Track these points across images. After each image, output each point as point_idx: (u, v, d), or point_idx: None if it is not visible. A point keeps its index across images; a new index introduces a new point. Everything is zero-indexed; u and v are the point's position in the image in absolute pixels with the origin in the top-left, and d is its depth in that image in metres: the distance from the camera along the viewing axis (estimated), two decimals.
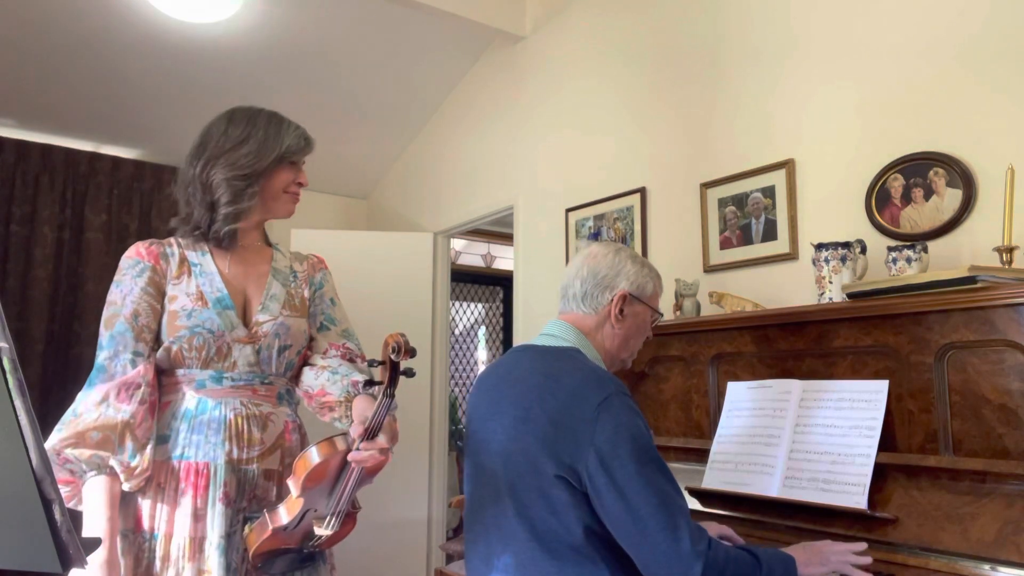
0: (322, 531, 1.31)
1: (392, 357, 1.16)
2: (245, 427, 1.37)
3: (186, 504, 1.31)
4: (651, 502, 1.19)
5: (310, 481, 1.24)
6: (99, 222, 4.00)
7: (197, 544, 1.30)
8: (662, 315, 1.59)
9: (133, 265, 1.41)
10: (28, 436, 0.65)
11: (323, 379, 1.44)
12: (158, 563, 1.30)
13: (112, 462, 1.27)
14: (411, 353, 1.15)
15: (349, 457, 1.22)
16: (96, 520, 1.25)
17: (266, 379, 1.43)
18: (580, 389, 1.29)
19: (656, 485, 1.21)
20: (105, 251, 4.01)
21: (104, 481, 1.27)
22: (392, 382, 1.19)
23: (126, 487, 1.29)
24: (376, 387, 1.22)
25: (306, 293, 1.53)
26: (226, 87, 3.72)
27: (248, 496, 1.36)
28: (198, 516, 1.31)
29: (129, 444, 1.28)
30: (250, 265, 1.49)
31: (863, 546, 1.40)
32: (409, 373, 1.19)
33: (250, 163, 1.44)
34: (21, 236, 3.78)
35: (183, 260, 1.45)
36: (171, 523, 1.31)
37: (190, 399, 1.37)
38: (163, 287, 1.41)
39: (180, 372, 1.39)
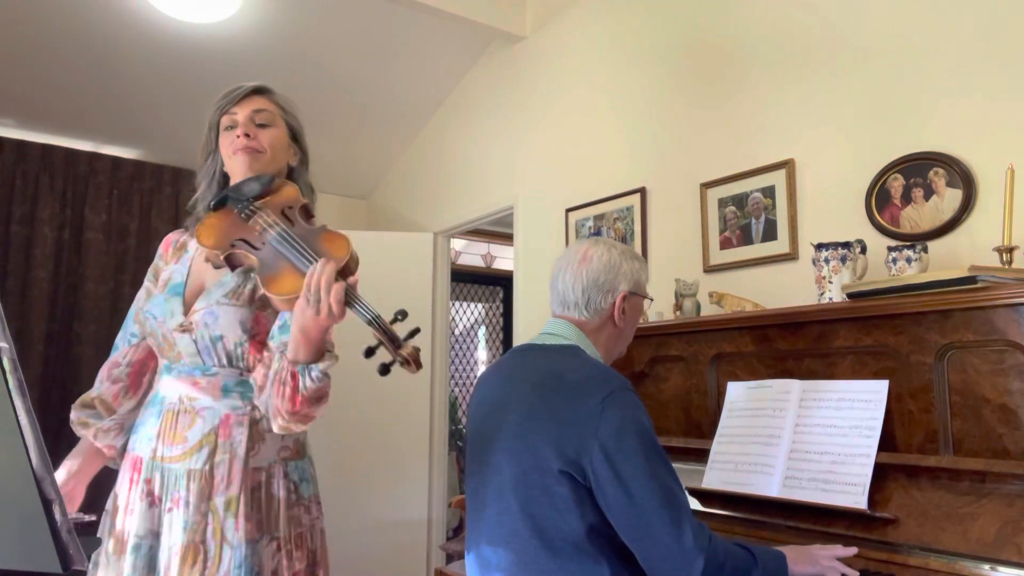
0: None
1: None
2: (173, 424, 1.31)
3: (122, 497, 1.33)
4: (655, 497, 1.20)
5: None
6: (99, 222, 4.00)
7: (123, 541, 1.29)
8: (652, 299, 1.64)
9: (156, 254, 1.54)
10: (28, 436, 0.65)
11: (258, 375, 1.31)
12: (102, 554, 1.33)
13: (89, 422, 1.43)
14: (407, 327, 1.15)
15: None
16: (70, 456, 1.44)
17: (208, 371, 1.34)
18: (584, 385, 1.30)
19: (660, 480, 1.22)
20: (105, 251, 4.01)
21: (86, 437, 1.44)
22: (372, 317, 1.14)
23: (98, 443, 1.43)
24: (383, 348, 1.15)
25: None
26: (226, 87, 3.71)
27: (173, 497, 1.28)
28: (128, 511, 1.31)
29: (100, 410, 1.44)
30: None
31: (853, 551, 1.40)
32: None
33: (201, 160, 1.48)
34: (21, 236, 3.78)
35: (182, 246, 1.49)
36: (116, 513, 1.34)
37: (153, 390, 1.40)
38: (160, 273, 1.49)
39: (159, 363, 1.43)
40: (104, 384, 1.45)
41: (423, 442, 4.07)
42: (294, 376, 1.21)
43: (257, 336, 1.35)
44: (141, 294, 1.50)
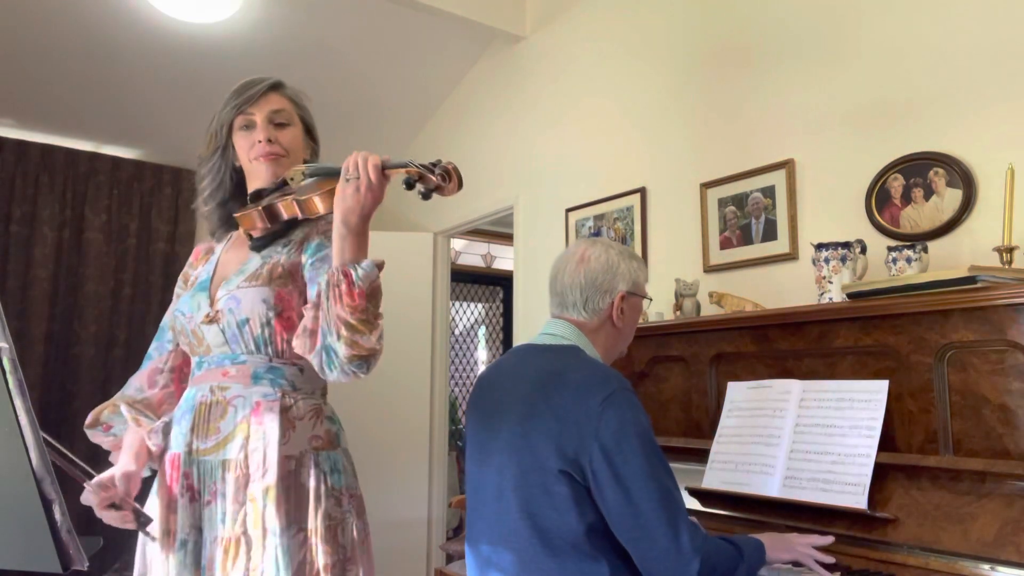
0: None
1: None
2: (206, 416, 1.32)
3: (164, 495, 1.33)
4: (653, 498, 1.21)
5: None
6: (99, 222, 4.00)
7: (171, 538, 1.30)
8: (651, 299, 1.65)
9: None
10: (28, 436, 0.65)
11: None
12: (153, 551, 1.33)
13: (142, 421, 1.42)
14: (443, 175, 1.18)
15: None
16: (123, 453, 1.40)
17: (237, 359, 1.34)
18: (585, 385, 1.30)
19: (659, 481, 1.23)
20: (105, 251, 4.01)
21: (135, 430, 1.43)
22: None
23: (149, 442, 1.40)
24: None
25: (283, 259, 1.38)
26: (226, 87, 3.70)
27: (211, 490, 1.29)
28: (171, 508, 1.31)
29: (149, 413, 1.44)
30: (245, 243, 1.44)
31: (829, 539, 1.43)
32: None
33: (204, 153, 1.48)
34: (21, 236, 3.78)
35: (210, 251, 1.51)
36: (159, 512, 1.33)
37: (187, 389, 1.40)
38: (188, 277, 1.51)
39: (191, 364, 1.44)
40: (147, 390, 1.46)
41: (423, 442, 4.07)
42: (346, 274, 1.19)
43: (283, 313, 1.33)
44: (174, 301, 1.51)
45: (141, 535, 1.34)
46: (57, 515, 0.67)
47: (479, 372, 6.50)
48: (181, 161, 4.16)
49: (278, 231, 1.41)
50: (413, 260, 4.15)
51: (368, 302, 1.19)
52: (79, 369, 3.81)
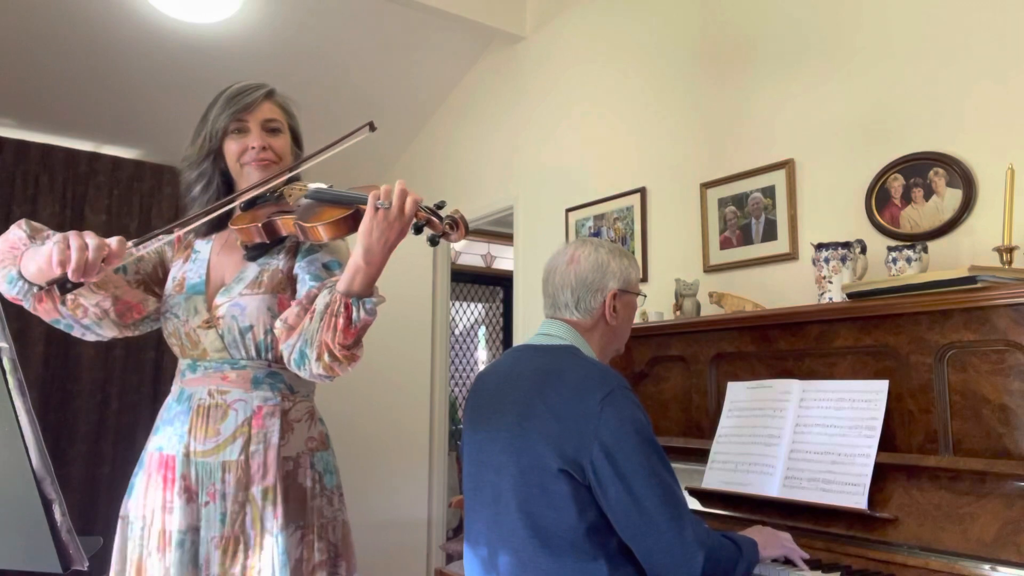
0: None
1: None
2: (204, 419, 1.34)
3: (159, 496, 1.33)
4: (656, 494, 1.22)
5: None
6: (99, 222, 4.00)
7: (167, 537, 1.30)
8: (645, 296, 1.66)
9: None
10: (28, 436, 0.65)
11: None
12: (144, 552, 1.33)
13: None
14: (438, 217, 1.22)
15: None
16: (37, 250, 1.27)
17: (237, 364, 1.36)
18: (583, 384, 1.31)
19: (660, 477, 1.24)
20: None
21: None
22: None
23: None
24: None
25: (281, 265, 1.41)
26: (229, 83, 3.71)
27: (209, 491, 1.31)
28: (167, 509, 1.32)
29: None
30: (237, 250, 1.45)
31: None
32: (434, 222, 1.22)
33: (188, 155, 1.49)
34: None
35: (188, 245, 1.51)
36: (152, 514, 1.34)
37: (177, 389, 1.40)
38: (167, 266, 1.50)
39: (179, 364, 1.43)
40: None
41: (423, 442, 4.07)
42: (347, 307, 1.20)
43: None
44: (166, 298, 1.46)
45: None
46: (57, 515, 0.67)
47: (479, 372, 6.50)
48: (181, 161, 4.16)
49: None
50: (413, 260, 4.15)
51: (355, 344, 1.24)
52: (79, 369, 3.81)
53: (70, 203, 3.94)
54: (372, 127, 1.33)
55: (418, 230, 1.21)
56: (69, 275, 1.13)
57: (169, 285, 1.46)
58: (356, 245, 1.21)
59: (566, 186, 3.28)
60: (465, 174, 4.03)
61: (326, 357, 1.22)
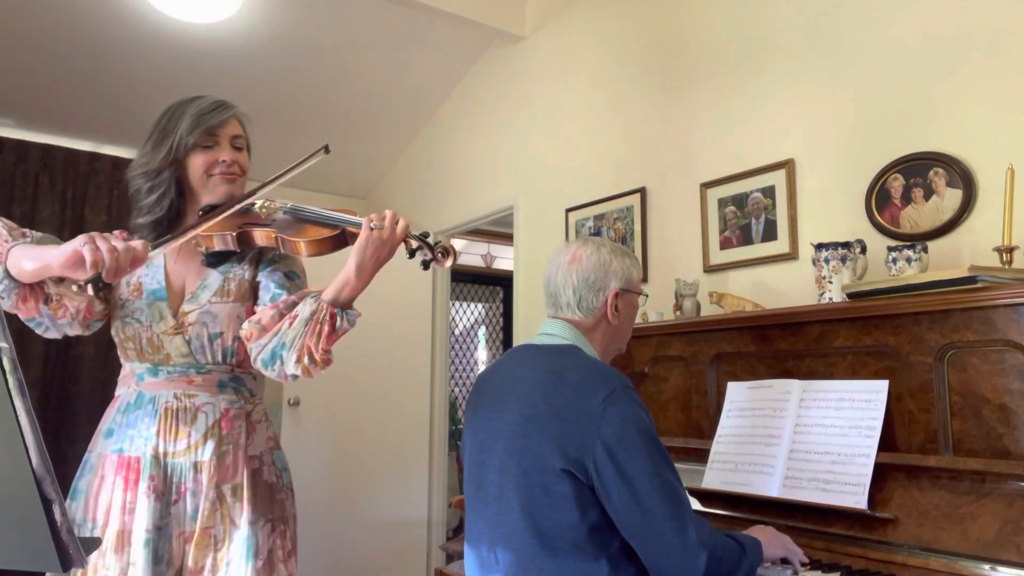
0: None
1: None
2: (173, 421, 1.37)
3: (118, 498, 1.34)
4: (658, 493, 1.23)
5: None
6: (99, 222, 4.00)
7: (125, 537, 1.32)
8: (647, 295, 1.67)
9: None
10: (28, 436, 0.65)
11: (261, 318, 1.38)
12: (95, 552, 1.33)
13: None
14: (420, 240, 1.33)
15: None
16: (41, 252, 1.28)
17: (203, 368, 1.41)
18: (585, 384, 1.31)
19: (663, 477, 1.24)
20: None
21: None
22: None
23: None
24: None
25: (247, 275, 1.47)
26: (226, 87, 3.71)
27: (179, 489, 1.35)
28: (127, 510, 1.34)
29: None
30: (194, 257, 1.48)
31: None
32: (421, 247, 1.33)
33: (144, 163, 1.46)
34: None
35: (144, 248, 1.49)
36: (107, 515, 1.35)
37: (132, 393, 1.41)
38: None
39: (127, 367, 1.45)
40: None
41: (423, 442, 4.07)
42: (332, 316, 1.31)
43: None
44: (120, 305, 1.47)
45: None
46: (57, 515, 0.67)
47: (479, 372, 6.51)
48: None
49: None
50: (413, 260, 4.15)
51: (331, 346, 1.34)
52: (79, 369, 3.81)
53: (70, 203, 3.94)
54: (327, 150, 1.41)
55: (412, 254, 1.34)
56: (104, 276, 1.19)
57: (124, 289, 1.46)
58: (349, 260, 1.31)
59: (566, 186, 3.28)
60: (465, 174, 4.03)
61: (306, 360, 1.32)
